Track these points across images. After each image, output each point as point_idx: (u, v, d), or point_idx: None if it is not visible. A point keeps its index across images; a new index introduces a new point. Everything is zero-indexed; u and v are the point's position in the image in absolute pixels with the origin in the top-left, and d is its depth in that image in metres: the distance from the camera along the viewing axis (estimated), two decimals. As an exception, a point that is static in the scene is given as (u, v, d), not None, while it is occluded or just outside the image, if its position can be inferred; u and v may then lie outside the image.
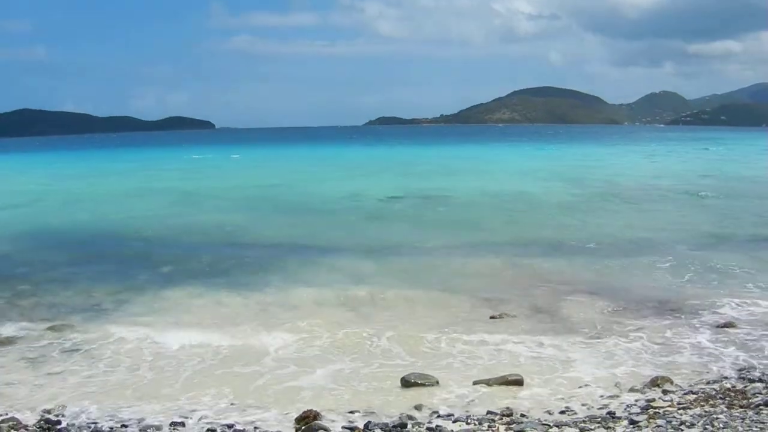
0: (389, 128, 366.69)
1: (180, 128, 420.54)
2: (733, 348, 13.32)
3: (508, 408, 10.22)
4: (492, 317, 15.81)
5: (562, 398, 10.78)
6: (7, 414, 10.29)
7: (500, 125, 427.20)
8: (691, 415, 8.97)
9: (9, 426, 9.66)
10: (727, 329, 14.38)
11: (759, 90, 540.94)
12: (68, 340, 14.41)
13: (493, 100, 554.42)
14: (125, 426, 9.71)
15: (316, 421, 9.53)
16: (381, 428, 9.37)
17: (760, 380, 10.75)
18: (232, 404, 10.86)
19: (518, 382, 11.46)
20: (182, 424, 9.80)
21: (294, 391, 11.63)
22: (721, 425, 8.26)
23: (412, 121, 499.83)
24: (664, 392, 10.57)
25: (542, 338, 14.24)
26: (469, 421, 9.68)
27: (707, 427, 8.26)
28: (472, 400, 10.83)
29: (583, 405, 10.29)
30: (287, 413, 10.36)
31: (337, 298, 17.34)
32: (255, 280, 19.17)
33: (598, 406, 10.18)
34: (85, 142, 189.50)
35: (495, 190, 41.40)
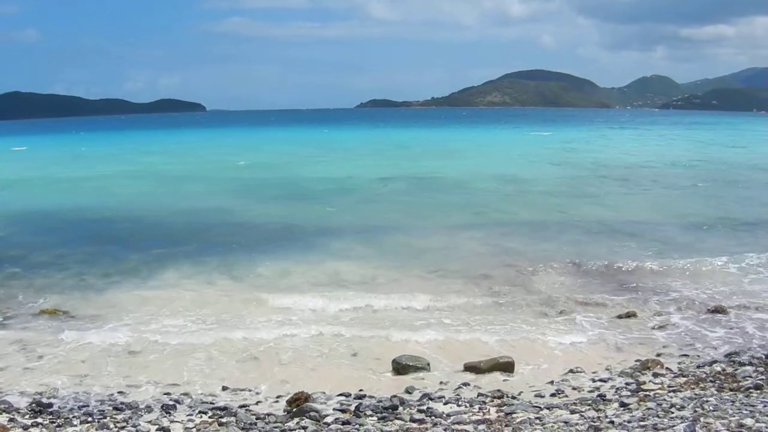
0: (380, 111, 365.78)
1: (171, 111, 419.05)
2: (723, 332, 13.41)
3: (499, 390, 10.26)
4: (482, 298, 15.87)
5: (553, 381, 10.82)
6: (-2, 397, 10.29)
7: (491, 108, 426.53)
8: (681, 398, 9.01)
9: (0, 409, 9.64)
10: (716, 313, 14.46)
11: (751, 75, 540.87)
12: (60, 322, 14.41)
13: (485, 83, 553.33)
14: (117, 409, 9.70)
15: (308, 403, 9.54)
16: (372, 410, 9.39)
17: (750, 364, 10.80)
18: (224, 387, 10.88)
19: (509, 365, 11.50)
20: (174, 407, 9.80)
21: (285, 372, 11.67)
22: (711, 408, 8.29)
23: (404, 104, 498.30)
24: (655, 375, 10.61)
25: (533, 320, 14.32)
26: (460, 403, 9.70)
27: (697, 409, 8.29)
28: (464, 383, 10.87)
29: (573, 388, 10.33)
30: (279, 395, 10.40)
31: (328, 279, 17.38)
32: (246, 262, 19.17)
33: (589, 389, 10.22)
34: (76, 124, 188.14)
35: (485, 173, 41.39)
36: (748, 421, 7.61)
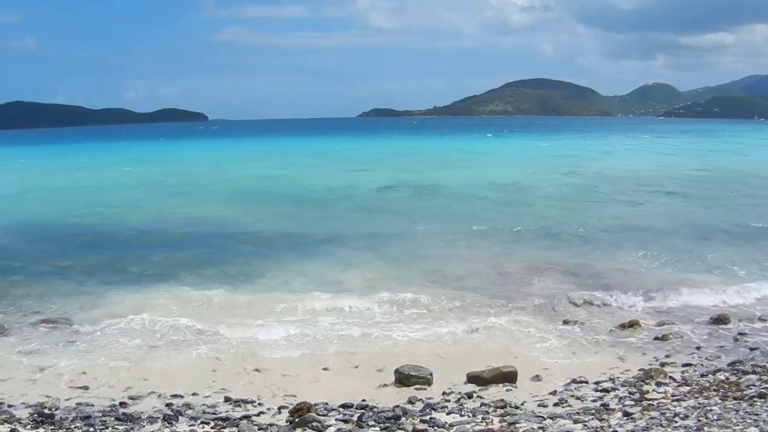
0: (382, 120, 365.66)
1: (173, 120, 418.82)
2: (726, 341, 13.40)
3: (502, 400, 10.24)
4: (485, 307, 15.84)
5: (556, 391, 10.80)
6: (0, 407, 10.27)
7: (493, 117, 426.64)
8: (685, 407, 8.99)
9: (2, 419, 9.62)
10: (720, 322, 14.46)
11: (753, 82, 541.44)
12: (61, 332, 14.39)
13: (487, 92, 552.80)
14: (119, 420, 9.68)
15: (310, 413, 9.51)
16: (375, 420, 9.37)
17: (754, 372, 10.77)
18: (226, 399, 10.85)
19: (512, 375, 11.47)
20: (176, 418, 9.78)
21: (288, 383, 11.64)
22: (715, 417, 8.27)
23: (405, 113, 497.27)
24: (658, 384, 10.59)
25: (536, 330, 14.30)
26: (463, 413, 9.69)
27: (701, 418, 8.27)
28: (467, 393, 10.85)
29: (576, 398, 10.31)
30: (281, 406, 10.37)
31: (330, 287, 17.33)
32: (248, 271, 19.16)
33: (592, 399, 10.19)
34: (78, 134, 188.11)
35: (486, 182, 41.34)
36: (752, 430, 7.60)
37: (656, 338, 13.69)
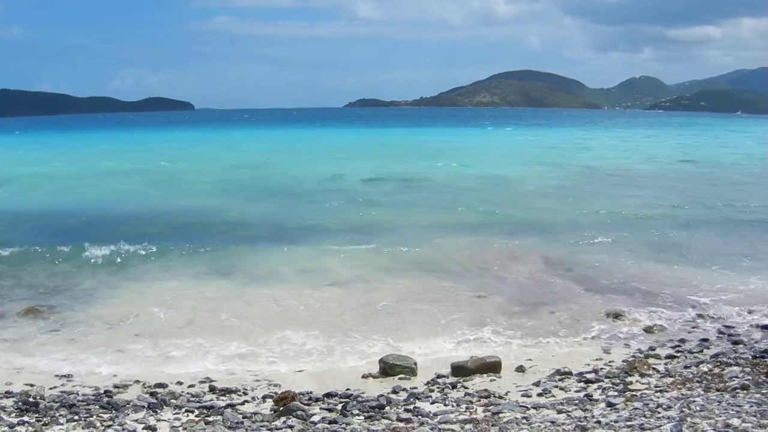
0: (369, 110, 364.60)
1: (160, 109, 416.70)
2: (710, 333, 13.46)
3: (486, 390, 10.28)
4: (469, 299, 15.86)
5: (540, 381, 10.84)
6: (-16, 395, 10.24)
7: (480, 108, 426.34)
8: (668, 398, 9.04)
9: (-14, 407, 9.59)
10: (704, 314, 14.52)
11: (739, 76, 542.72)
12: (46, 321, 14.33)
13: (473, 83, 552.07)
14: (104, 408, 9.66)
15: (294, 402, 9.52)
16: (359, 409, 9.40)
17: (737, 364, 10.83)
18: (211, 388, 10.84)
19: (496, 365, 11.52)
20: (161, 407, 9.78)
21: (272, 372, 11.66)
22: (697, 408, 8.32)
23: (392, 104, 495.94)
24: (642, 375, 10.64)
25: (520, 321, 14.32)
26: (446, 402, 9.72)
27: (684, 409, 8.31)
28: (451, 382, 10.88)
29: (560, 388, 10.36)
30: (265, 395, 10.38)
31: (316, 278, 17.31)
32: (236, 263, 19.06)
33: (576, 389, 10.24)
34: (65, 122, 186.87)
35: (474, 174, 41.31)
36: (735, 421, 7.63)
37: (641, 329, 13.75)
